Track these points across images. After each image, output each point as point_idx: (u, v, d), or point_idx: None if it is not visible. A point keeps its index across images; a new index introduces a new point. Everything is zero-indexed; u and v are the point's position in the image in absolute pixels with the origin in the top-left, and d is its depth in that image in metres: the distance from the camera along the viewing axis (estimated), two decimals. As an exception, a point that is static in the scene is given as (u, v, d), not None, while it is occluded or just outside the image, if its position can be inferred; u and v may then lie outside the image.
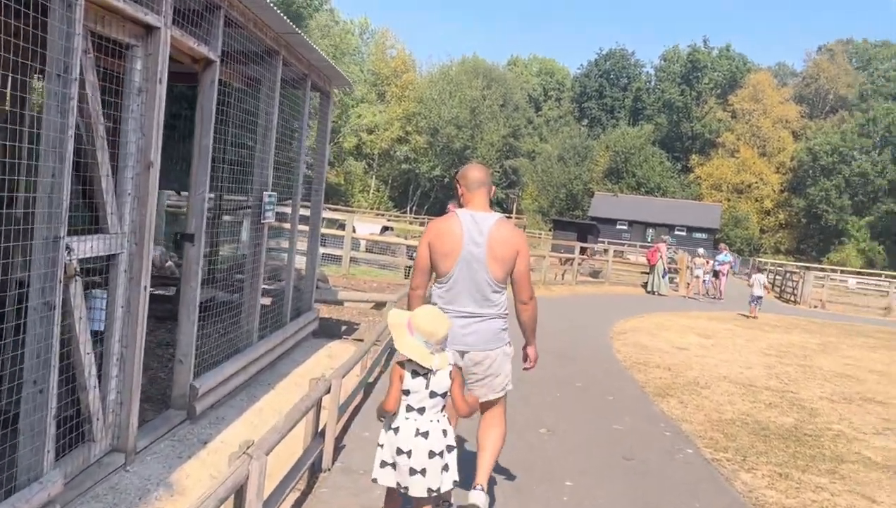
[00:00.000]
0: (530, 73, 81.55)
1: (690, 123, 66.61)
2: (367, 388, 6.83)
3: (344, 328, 8.92)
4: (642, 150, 61.81)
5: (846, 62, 68.69)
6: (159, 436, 4.43)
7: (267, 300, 7.98)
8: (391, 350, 8.75)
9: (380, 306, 8.72)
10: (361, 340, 8.52)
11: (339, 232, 17.71)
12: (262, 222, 5.87)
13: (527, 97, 72.81)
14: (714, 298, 24.07)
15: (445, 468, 3.34)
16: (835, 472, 5.94)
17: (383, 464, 3.36)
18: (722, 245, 28.61)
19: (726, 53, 68.95)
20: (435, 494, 3.30)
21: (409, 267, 17.43)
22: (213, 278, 6.92)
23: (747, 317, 18.55)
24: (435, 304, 3.79)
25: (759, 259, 44.53)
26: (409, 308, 3.72)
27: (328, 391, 4.69)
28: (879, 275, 42.88)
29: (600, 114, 74.85)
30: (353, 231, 22.13)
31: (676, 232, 49.12)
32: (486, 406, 3.98)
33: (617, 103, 74.84)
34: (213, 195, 8.45)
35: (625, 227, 54.62)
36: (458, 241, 3.75)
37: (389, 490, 3.46)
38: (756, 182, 60.20)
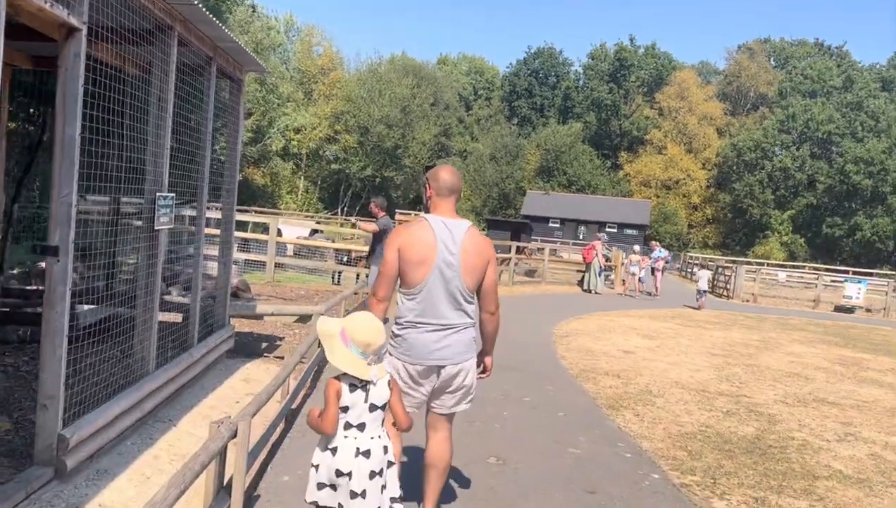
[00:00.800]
0: (460, 71, 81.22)
1: (619, 120, 67.51)
2: (289, 416, 5.95)
3: (265, 344, 7.97)
4: (572, 148, 62.26)
5: (765, 60, 70.90)
6: (14, 505, 3.47)
7: (178, 317, 7.01)
8: (318, 368, 7.88)
9: (304, 319, 7.81)
10: (280, 358, 7.62)
11: (264, 236, 16.63)
12: (157, 228, 4.92)
13: (457, 96, 72.38)
14: (650, 294, 23.94)
15: (384, 486, 3.10)
16: (811, 492, 5.40)
17: (321, 486, 3.08)
18: (653, 242, 28.57)
19: (652, 52, 70.18)
20: None
21: (339, 272, 16.49)
22: (111, 294, 5.93)
23: (694, 309, 20.19)
24: (403, 317, 3.65)
25: (690, 254, 45.21)
26: None
27: (234, 436, 3.82)
28: (803, 267, 44.15)
29: (530, 113, 75.09)
30: (280, 235, 21.01)
31: (608, 229, 49.53)
32: (437, 422, 3.81)
33: (546, 102, 75.22)
34: (107, 198, 7.42)
35: (557, 225, 54.83)
36: (431, 249, 3.58)
37: None
38: (683, 178, 61.41)
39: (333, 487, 3.03)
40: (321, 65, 57.30)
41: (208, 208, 7.34)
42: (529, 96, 75.57)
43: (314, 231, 21.86)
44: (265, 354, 7.88)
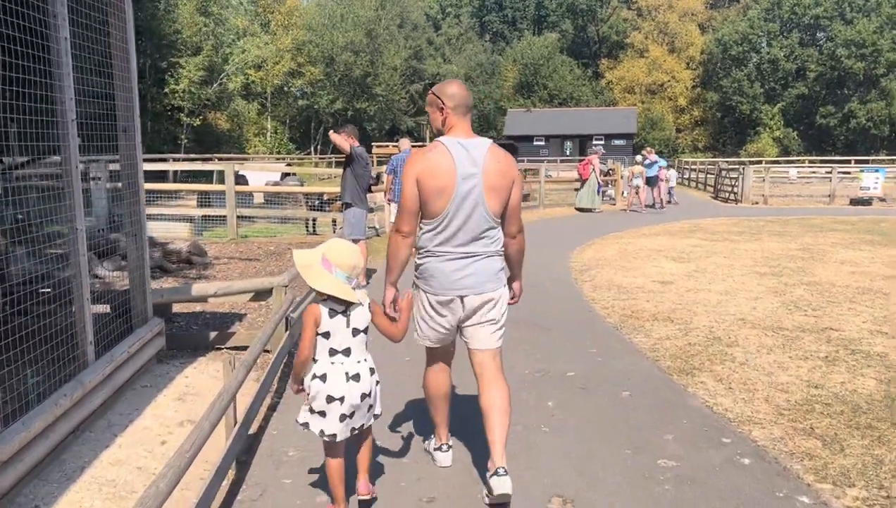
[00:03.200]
0: (424, -11, 76.93)
1: (596, 26, 64.32)
2: (243, 454, 4.03)
3: (214, 333, 5.94)
4: (551, 60, 59.32)
5: (745, -54, 67.23)
6: None
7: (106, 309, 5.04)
8: (289, 359, 5.92)
9: (263, 295, 5.81)
10: (237, 348, 5.63)
11: (220, 187, 14.45)
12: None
13: (424, 16, 68.57)
14: (652, 207, 22.10)
15: (371, 405, 3.18)
16: None
17: (312, 411, 3.06)
18: (648, 149, 26.28)
19: (626, -52, 66.33)
20: (357, 432, 3.15)
21: (312, 219, 14.41)
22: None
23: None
24: (423, 246, 3.42)
25: (685, 159, 43.19)
26: (392, 258, 3.45)
27: None
28: (802, 161, 42.36)
29: (502, 27, 71.58)
30: (246, 183, 18.84)
31: (595, 141, 47.21)
32: (481, 362, 3.49)
33: (518, 14, 71.60)
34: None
35: (542, 143, 52.46)
36: (451, 175, 3.28)
37: (328, 447, 3.09)
38: (668, 81, 58.84)
39: (323, 414, 3.01)
40: (276, -7, 53.41)
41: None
42: (500, 9, 71.86)
43: (285, 175, 19.54)
44: (216, 346, 5.88)
